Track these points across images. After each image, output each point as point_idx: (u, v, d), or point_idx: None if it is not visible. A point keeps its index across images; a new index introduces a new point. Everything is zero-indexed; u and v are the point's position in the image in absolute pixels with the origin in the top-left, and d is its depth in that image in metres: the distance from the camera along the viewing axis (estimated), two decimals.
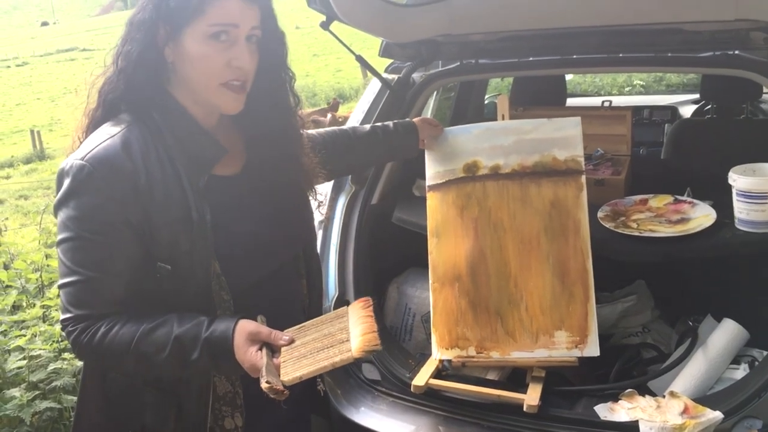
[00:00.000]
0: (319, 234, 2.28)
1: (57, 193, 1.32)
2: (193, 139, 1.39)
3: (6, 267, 3.63)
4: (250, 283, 1.45)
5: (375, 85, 2.52)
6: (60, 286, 1.32)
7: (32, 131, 18.52)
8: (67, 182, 1.29)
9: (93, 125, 1.39)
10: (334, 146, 1.86)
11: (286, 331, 1.37)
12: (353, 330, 1.35)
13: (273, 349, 1.33)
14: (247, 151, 1.51)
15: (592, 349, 1.78)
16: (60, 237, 1.31)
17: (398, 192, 2.46)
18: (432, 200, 1.97)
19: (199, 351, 1.29)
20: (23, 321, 2.91)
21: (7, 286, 3.34)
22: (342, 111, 8.71)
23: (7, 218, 8.18)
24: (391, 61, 2.57)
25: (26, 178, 14.39)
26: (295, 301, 1.61)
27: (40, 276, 3.34)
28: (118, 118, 1.36)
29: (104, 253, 1.30)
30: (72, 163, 1.29)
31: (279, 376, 1.27)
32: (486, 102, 4.08)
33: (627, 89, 8.57)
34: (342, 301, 2.06)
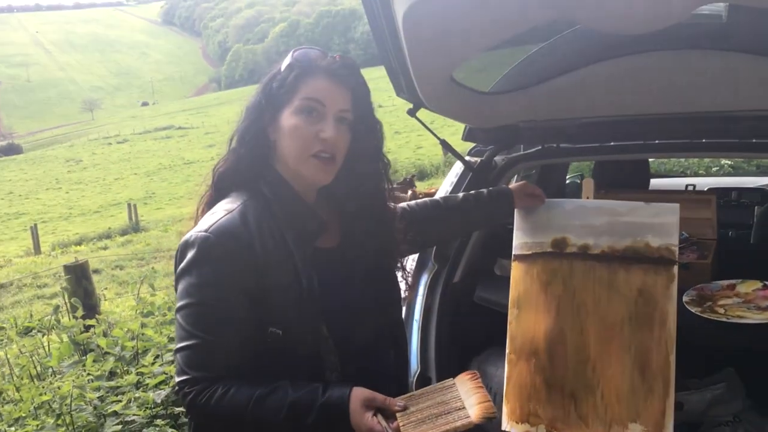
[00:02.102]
0: (402, 311, 2.34)
1: (178, 263, 1.43)
2: (299, 212, 1.52)
3: (105, 334, 3.84)
4: (352, 349, 1.52)
5: (458, 166, 2.60)
6: (178, 350, 1.41)
7: (129, 204, 19.57)
8: (191, 253, 1.40)
9: (211, 200, 1.54)
10: (424, 217, 1.92)
11: (397, 398, 1.44)
12: (466, 400, 1.43)
13: (386, 415, 1.40)
14: (342, 227, 1.62)
15: None
16: (181, 303, 1.41)
17: (480, 271, 2.51)
18: (516, 270, 1.96)
19: (315, 416, 1.36)
20: (119, 387, 3.07)
21: (106, 353, 3.53)
22: (422, 187, 8.85)
23: (106, 288, 8.61)
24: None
25: (122, 249, 15.17)
26: (389, 371, 1.66)
27: (136, 344, 3.51)
28: (233, 195, 1.50)
29: (222, 318, 1.39)
30: (196, 236, 1.41)
31: None
32: (567, 182, 4.10)
33: (715, 169, 8.35)
34: (424, 378, 2.09)
